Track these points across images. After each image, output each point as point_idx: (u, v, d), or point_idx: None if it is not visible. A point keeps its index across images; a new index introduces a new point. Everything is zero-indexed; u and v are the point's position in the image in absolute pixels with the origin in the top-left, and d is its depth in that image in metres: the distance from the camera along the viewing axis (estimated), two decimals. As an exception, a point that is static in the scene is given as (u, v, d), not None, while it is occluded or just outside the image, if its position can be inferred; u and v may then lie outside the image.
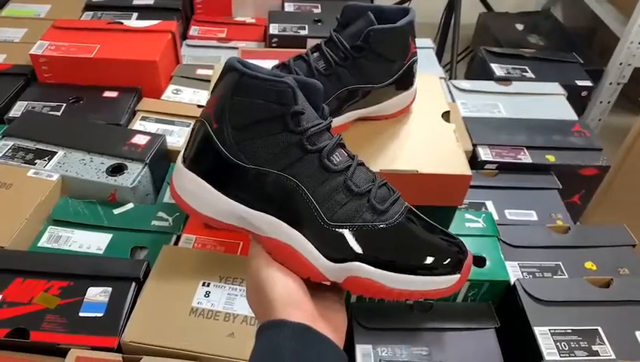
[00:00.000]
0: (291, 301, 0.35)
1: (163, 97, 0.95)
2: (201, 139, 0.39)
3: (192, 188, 0.39)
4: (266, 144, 0.37)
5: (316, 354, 0.33)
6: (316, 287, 0.38)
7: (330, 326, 0.36)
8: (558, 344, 0.59)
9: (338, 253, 0.37)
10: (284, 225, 0.38)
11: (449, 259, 0.38)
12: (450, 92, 1.05)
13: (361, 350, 0.60)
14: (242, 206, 0.38)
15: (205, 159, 0.39)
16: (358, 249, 0.37)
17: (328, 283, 0.38)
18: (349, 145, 0.41)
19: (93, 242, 0.68)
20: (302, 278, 0.37)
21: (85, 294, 0.59)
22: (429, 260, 0.37)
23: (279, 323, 0.34)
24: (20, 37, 1.08)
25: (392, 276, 0.37)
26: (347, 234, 0.37)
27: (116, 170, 0.75)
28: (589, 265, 0.72)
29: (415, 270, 0.37)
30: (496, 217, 0.80)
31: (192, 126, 0.42)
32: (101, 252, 0.67)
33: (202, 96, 0.96)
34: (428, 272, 0.37)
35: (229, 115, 0.37)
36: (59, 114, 0.88)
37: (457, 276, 0.37)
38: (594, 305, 0.64)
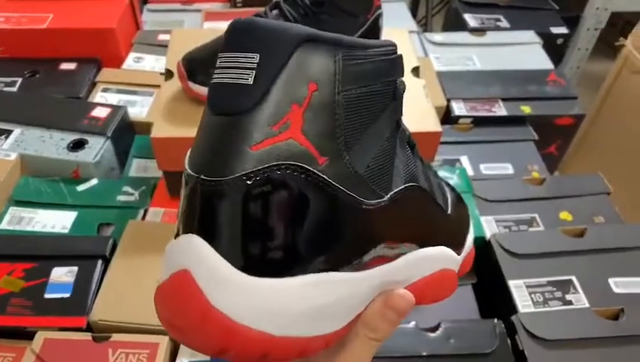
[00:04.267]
0: None
1: (124, 66, 0.91)
2: (290, 202, 0.21)
3: (263, 303, 0.21)
4: (386, 150, 0.25)
5: None
6: None
7: None
8: (532, 296, 0.59)
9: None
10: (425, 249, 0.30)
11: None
12: (422, 46, 1.02)
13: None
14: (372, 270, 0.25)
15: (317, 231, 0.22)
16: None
17: None
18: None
19: (57, 221, 0.66)
20: None
21: (50, 275, 0.57)
22: None
23: None
24: (-32, 10, 1.02)
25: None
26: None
27: (77, 146, 0.72)
28: (564, 215, 0.71)
29: None
30: (471, 172, 0.79)
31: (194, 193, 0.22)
32: (66, 231, 0.65)
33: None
34: None
35: (344, 130, 0.22)
36: (14, 90, 0.84)
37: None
38: (568, 255, 0.64)
